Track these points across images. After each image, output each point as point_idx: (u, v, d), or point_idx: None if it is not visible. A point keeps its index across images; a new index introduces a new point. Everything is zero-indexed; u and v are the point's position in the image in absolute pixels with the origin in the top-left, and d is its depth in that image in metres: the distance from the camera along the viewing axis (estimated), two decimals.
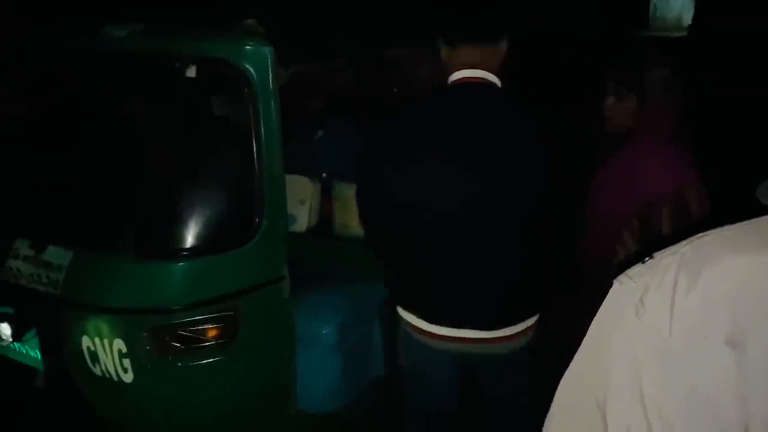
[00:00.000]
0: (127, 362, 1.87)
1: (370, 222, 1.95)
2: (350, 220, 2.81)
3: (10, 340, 1.87)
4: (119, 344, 1.86)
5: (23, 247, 2.01)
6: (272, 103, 1.94)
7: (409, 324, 1.88)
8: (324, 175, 2.83)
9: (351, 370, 2.48)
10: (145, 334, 1.83)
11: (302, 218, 2.73)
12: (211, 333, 1.87)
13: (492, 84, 1.73)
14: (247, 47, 1.91)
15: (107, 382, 1.92)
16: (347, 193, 2.83)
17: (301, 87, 2.06)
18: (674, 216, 1.54)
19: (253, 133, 1.93)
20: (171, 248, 1.86)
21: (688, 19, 7.35)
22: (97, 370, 1.92)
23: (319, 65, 2.85)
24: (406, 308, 1.88)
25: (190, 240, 1.88)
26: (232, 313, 1.92)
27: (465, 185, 1.68)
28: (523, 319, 1.83)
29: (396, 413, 2.23)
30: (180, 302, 1.85)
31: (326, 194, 2.81)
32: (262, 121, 1.93)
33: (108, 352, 1.88)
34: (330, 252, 2.62)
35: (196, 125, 1.93)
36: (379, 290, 2.64)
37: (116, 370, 1.89)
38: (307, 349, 2.24)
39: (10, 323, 1.86)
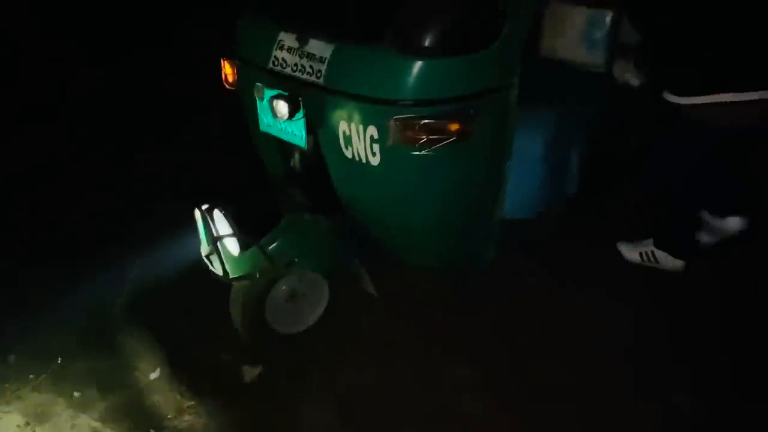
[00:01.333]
0: (377, 147, 2.15)
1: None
2: (557, 42, 2.85)
3: (286, 117, 2.19)
4: (372, 130, 2.13)
5: (288, 39, 2.27)
6: None
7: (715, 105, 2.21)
8: None
9: (547, 184, 2.67)
10: (396, 123, 2.07)
11: None
12: (453, 127, 2.09)
13: None
14: None
15: (356, 164, 2.23)
16: (561, 12, 2.85)
17: None
18: None
19: None
20: (423, 47, 2.04)
21: None
22: (348, 153, 2.23)
23: None
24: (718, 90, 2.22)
25: (442, 40, 2.04)
26: (471, 111, 2.12)
27: None
28: None
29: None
30: (429, 96, 2.06)
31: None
32: None
33: (361, 137, 2.16)
34: (539, 70, 2.70)
35: None
36: (582, 113, 2.75)
37: (366, 154, 2.18)
38: (512, 159, 2.43)
39: (285, 103, 2.17)
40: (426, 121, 2.08)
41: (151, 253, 2.88)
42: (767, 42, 2.18)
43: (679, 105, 2.39)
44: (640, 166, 2.81)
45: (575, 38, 2.74)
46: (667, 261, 2.88)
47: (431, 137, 2.09)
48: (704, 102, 2.29)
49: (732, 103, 2.24)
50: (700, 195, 2.77)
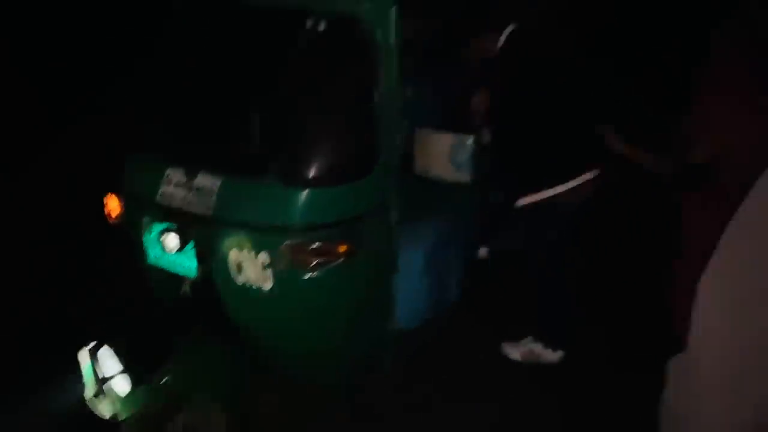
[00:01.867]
0: (268, 272, 2.23)
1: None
2: (428, 163, 3.15)
3: (176, 250, 2.22)
4: (264, 257, 2.21)
5: (176, 174, 2.35)
6: (394, 58, 2.25)
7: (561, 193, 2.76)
8: (406, 122, 3.14)
9: (432, 292, 2.85)
10: (287, 248, 2.18)
11: None
12: (341, 249, 2.23)
13: None
14: (373, 5, 2.23)
15: (248, 290, 2.28)
16: (427, 138, 3.17)
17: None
18: None
19: (376, 85, 2.26)
20: (310, 178, 2.20)
21: None
22: (240, 279, 2.28)
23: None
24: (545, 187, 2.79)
25: (325, 172, 2.22)
26: (354, 233, 2.27)
27: None
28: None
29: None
30: (317, 222, 2.20)
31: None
32: (384, 74, 2.26)
33: (253, 264, 2.23)
34: (417, 187, 2.94)
35: (327, 76, 2.25)
36: (458, 223, 3.00)
37: (258, 279, 2.25)
38: (398, 271, 2.60)
39: (175, 236, 2.21)
40: (315, 245, 2.20)
41: (30, 402, 2.67)
42: (583, 142, 2.79)
43: (532, 202, 2.83)
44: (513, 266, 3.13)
45: (443, 160, 3.04)
46: (547, 354, 3.11)
47: (321, 259, 2.21)
48: (554, 193, 2.78)
49: (571, 188, 2.78)
50: (561, 280, 3.07)
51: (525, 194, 2.86)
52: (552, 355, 3.11)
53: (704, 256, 2.46)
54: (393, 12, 2.23)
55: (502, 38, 2.89)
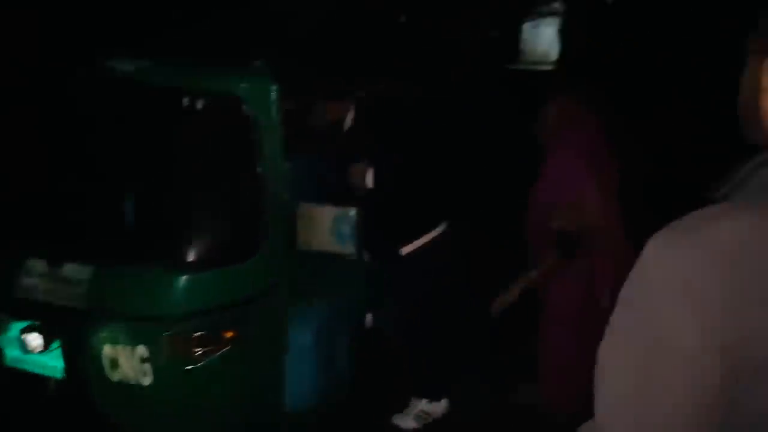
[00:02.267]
0: (147, 366, 2.06)
1: None
2: (311, 237, 3.12)
3: (40, 350, 1.99)
4: (141, 350, 2.05)
5: (38, 266, 2.13)
6: (276, 136, 2.24)
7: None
8: (291, 198, 3.11)
9: (323, 371, 2.77)
10: (167, 340, 2.04)
11: None
12: (227, 335, 2.12)
13: None
14: (252, 84, 2.22)
15: (125, 387, 2.09)
16: (310, 212, 3.15)
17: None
18: None
19: (258, 163, 2.22)
20: (190, 262, 2.09)
21: (554, 53, 8.35)
22: (115, 376, 2.09)
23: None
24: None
25: (206, 255, 2.12)
26: (241, 318, 2.17)
27: None
28: None
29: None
30: (200, 308, 2.08)
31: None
32: (266, 153, 2.22)
33: (129, 358, 2.06)
34: (303, 263, 2.90)
35: (206, 156, 2.18)
36: (347, 300, 2.98)
37: (136, 375, 2.07)
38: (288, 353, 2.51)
39: (39, 334, 1.98)
40: (198, 333, 2.07)
41: None
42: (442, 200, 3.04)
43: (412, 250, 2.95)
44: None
45: (326, 233, 3.03)
46: (433, 408, 3.10)
47: (205, 349, 2.09)
48: (423, 241, 2.95)
49: (436, 236, 2.96)
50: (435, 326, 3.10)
51: (403, 245, 2.96)
52: (438, 407, 3.11)
53: (567, 320, 2.63)
54: (273, 90, 2.22)
55: (353, 105, 3.01)
